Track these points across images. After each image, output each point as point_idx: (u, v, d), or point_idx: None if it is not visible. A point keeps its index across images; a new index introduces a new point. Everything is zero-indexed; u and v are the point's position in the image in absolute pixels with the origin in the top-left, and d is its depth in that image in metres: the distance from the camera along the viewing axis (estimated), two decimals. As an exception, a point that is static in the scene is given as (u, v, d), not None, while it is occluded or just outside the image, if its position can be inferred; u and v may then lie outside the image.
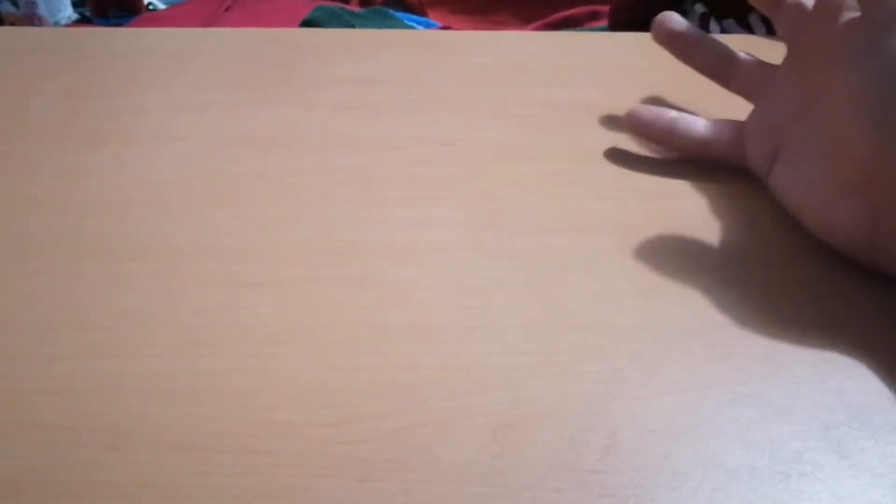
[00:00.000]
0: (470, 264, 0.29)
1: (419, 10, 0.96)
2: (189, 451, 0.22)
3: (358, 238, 0.31)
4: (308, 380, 0.24)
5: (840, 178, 0.29)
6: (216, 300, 0.28)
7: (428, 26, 0.89)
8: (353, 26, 0.84)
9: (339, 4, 0.92)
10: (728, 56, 0.37)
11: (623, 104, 0.35)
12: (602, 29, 0.74)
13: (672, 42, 0.37)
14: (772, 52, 0.37)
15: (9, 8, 1.01)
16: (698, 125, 0.35)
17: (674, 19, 0.37)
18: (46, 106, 0.41)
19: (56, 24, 1.03)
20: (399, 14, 0.91)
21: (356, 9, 0.93)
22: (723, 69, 0.37)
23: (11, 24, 1.02)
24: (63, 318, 0.27)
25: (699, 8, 0.67)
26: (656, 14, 0.38)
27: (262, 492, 0.21)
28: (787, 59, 0.34)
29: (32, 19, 1.01)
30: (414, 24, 0.89)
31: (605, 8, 0.75)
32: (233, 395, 0.24)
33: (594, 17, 0.78)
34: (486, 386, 0.24)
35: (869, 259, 0.28)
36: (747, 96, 0.36)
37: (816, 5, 0.31)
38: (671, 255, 0.30)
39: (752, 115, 0.35)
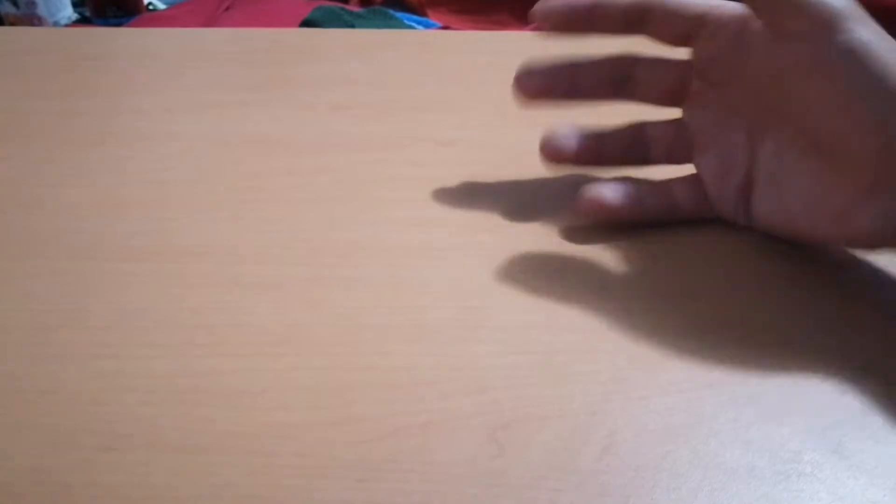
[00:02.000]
0: (470, 264, 0.29)
1: (419, 10, 0.96)
2: (188, 452, 0.22)
3: (357, 238, 0.31)
4: (308, 380, 0.24)
5: (854, 183, 0.27)
6: (216, 300, 0.28)
7: (428, 26, 0.89)
8: (353, 26, 0.84)
9: (339, 4, 0.92)
10: (634, 137, 0.33)
11: (622, 104, 0.35)
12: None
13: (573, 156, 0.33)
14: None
15: (9, 8, 1.01)
16: (664, 193, 0.32)
17: (561, 137, 0.33)
18: (46, 106, 0.41)
19: (56, 24, 1.03)
20: (399, 14, 0.91)
21: (356, 9, 0.93)
22: (637, 152, 0.33)
23: (11, 24, 1.02)
24: (63, 318, 0.27)
25: None
26: None
27: (262, 492, 0.21)
28: (705, 100, 0.32)
29: (32, 19, 1.01)
30: (414, 24, 0.89)
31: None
32: (233, 395, 0.24)
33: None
34: (486, 386, 0.24)
35: None
36: (676, 160, 0.33)
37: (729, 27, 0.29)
38: (670, 255, 0.30)
39: (704, 171, 0.32)
